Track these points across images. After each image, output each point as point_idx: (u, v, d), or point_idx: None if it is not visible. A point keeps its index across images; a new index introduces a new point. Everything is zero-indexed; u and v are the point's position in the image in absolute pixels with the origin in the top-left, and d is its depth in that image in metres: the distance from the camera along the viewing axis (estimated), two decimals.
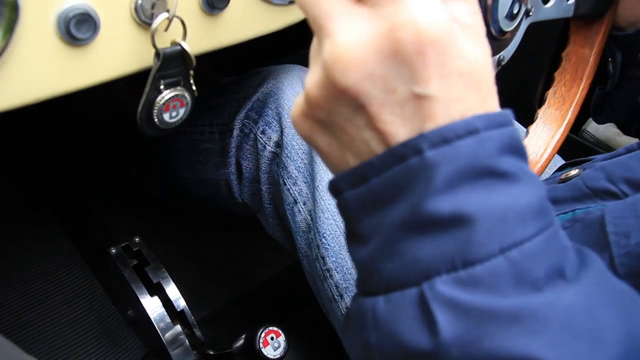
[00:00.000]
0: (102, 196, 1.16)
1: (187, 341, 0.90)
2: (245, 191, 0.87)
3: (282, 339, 0.75)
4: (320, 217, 0.74)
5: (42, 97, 0.52)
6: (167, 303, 0.91)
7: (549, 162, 0.72)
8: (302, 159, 0.77)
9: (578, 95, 0.75)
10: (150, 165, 1.07)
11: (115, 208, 1.15)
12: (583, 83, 0.75)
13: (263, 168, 0.81)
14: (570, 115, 0.74)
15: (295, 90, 0.80)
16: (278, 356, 0.73)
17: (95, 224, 1.13)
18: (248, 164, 0.84)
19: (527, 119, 0.77)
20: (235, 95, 0.87)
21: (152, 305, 0.90)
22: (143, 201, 1.14)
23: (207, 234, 1.15)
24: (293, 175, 0.78)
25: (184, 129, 0.95)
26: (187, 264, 1.09)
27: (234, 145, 0.85)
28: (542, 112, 0.75)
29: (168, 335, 0.89)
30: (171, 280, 0.93)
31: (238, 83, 0.89)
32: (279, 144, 0.79)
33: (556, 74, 0.76)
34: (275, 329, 0.75)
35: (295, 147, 0.78)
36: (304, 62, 0.88)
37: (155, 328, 0.89)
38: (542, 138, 0.73)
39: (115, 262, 0.94)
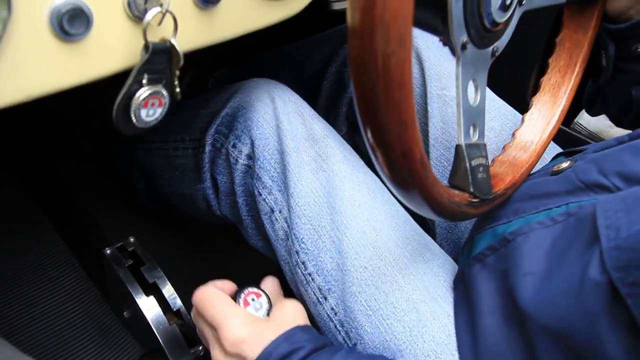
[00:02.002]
0: (95, 197, 1.17)
1: (184, 340, 0.91)
2: (223, 204, 0.89)
3: (263, 299, 0.74)
4: (297, 222, 0.76)
5: (37, 94, 0.53)
6: (163, 302, 0.92)
7: (545, 150, 0.73)
8: (274, 169, 0.79)
9: (572, 81, 0.75)
10: (133, 177, 1.09)
11: (109, 208, 1.15)
12: (577, 69, 0.75)
13: (237, 181, 0.84)
14: (564, 101, 0.75)
15: (263, 103, 0.82)
16: (260, 317, 0.73)
17: (90, 224, 1.13)
18: (223, 178, 0.87)
19: (522, 107, 0.78)
20: (204, 110, 0.89)
21: (148, 305, 0.91)
22: (137, 201, 1.14)
23: (202, 232, 1.16)
24: (267, 185, 0.80)
25: (156, 145, 0.98)
26: (183, 262, 1.10)
27: (207, 161, 0.87)
28: (536, 100, 0.75)
29: (165, 334, 0.90)
30: (167, 279, 0.94)
31: (206, 99, 0.91)
32: (251, 157, 0.82)
33: (550, 60, 0.77)
34: (255, 289, 0.75)
35: (267, 157, 0.80)
36: (284, 58, 0.90)
37: (151, 328, 0.90)
38: (538, 126, 0.74)
39: (110, 263, 0.95)
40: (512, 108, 0.88)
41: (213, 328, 0.69)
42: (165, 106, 0.61)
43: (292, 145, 0.78)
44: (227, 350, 0.66)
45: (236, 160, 0.83)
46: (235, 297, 0.74)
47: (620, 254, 0.51)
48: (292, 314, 0.69)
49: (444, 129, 0.86)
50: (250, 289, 0.75)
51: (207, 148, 0.87)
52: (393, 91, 0.41)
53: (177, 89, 0.60)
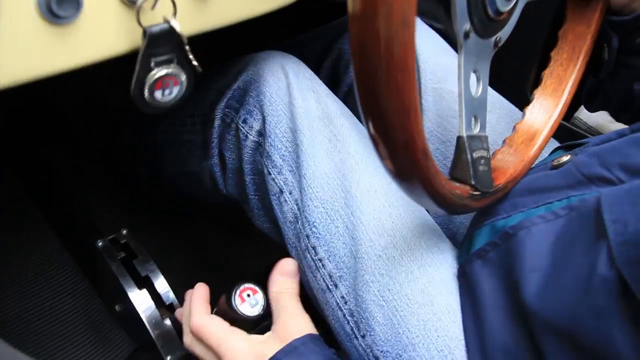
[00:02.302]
0: (88, 189, 1.16)
1: (176, 335, 0.90)
2: (229, 183, 0.87)
3: (259, 296, 0.74)
4: (309, 205, 0.73)
5: (24, 79, 0.51)
6: (156, 296, 0.91)
7: (547, 143, 0.73)
8: (286, 147, 0.77)
9: (575, 74, 0.75)
10: (135, 161, 1.07)
11: (102, 200, 1.15)
12: (580, 62, 0.75)
13: (246, 158, 0.82)
14: (567, 95, 0.74)
15: (276, 77, 0.80)
16: (256, 314, 0.73)
17: (82, 216, 1.12)
18: (231, 155, 0.84)
19: (523, 101, 0.78)
20: (215, 84, 0.87)
21: (140, 299, 0.90)
22: (130, 193, 1.14)
23: (196, 225, 1.15)
24: (277, 164, 0.77)
25: (165, 121, 0.95)
26: (176, 256, 1.09)
27: (215, 136, 0.85)
28: (538, 93, 0.75)
29: (157, 329, 0.89)
30: (160, 273, 0.93)
31: (217, 72, 0.89)
32: (262, 133, 0.79)
33: (553, 53, 0.76)
34: (251, 285, 0.74)
35: (279, 135, 0.77)
36: (288, 51, 0.88)
37: (143, 322, 0.89)
38: (539, 119, 0.73)
39: (102, 256, 0.94)
40: (508, 101, 0.87)
41: (215, 356, 0.70)
42: (182, 84, 0.60)
43: (306, 123, 0.76)
44: None
45: (246, 136, 0.80)
46: (230, 293, 0.74)
47: (629, 249, 0.50)
48: (296, 331, 0.69)
49: (439, 122, 0.85)
50: (246, 285, 0.74)
51: (217, 122, 0.84)
52: (395, 75, 0.40)
53: (195, 63, 0.59)
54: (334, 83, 0.99)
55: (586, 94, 0.83)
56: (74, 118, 1.20)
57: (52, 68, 0.53)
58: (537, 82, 0.76)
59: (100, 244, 0.95)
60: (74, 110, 1.19)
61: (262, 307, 0.73)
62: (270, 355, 0.65)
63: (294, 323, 0.70)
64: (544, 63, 0.77)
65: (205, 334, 0.71)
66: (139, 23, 0.54)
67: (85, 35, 0.53)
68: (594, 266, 0.52)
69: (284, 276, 0.76)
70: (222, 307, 0.76)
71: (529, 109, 0.74)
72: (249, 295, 0.74)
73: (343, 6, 0.41)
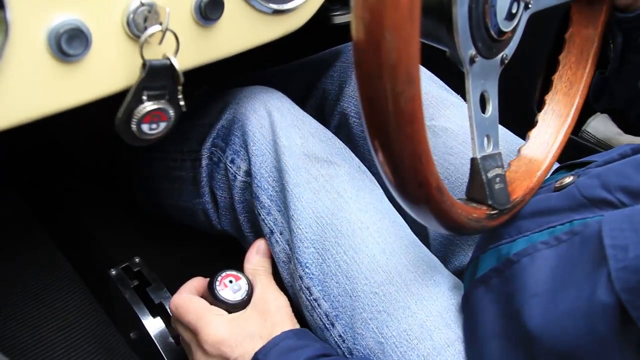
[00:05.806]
0: (100, 217, 1.17)
1: None
2: (223, 220, 0.88)
3: (242, 282, 0.75)
4: (299, 247, 0.74)
5: (36, 115, 0.53)
6: (170, 323, 0.92)
7: (562, 150, 0.73)
8: (272, 187, 0.78)
9: (585, 76, 0.75)
10: (135, 191, 1.09)
11: (114, 229, 1.16)
12: (589, 64, 0.75)
13: (237, 198, 0.82)
14: (578, 97, 0.75)
15: (258, 115, 0.80)
16: (239, 299, 0.74)
17: (94, 245, 1.14)
18: (222, 193, 0.85)
19: (530, 110, 0.77)
20: (200, 120, 0.87)
21: (154, 326, 0.92)
22: (142, 221, 1.14)
23: (208, 251, 1.16)
24: (266, 205, 0.78)
25: (157, 155, 0.96)
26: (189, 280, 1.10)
27: (205, 175, 0.86)
28: (549, 99, 0.75)
29: (171, 355, 0.90)
30: None
31: (201, 107, 0.89)
32: (249, 173, 0.80)
33: (561, 57, 0.76)
34: (233, 272, 0.76)
35: (265, 175, 0.78)
36: (275, 78, 0.88)
37: (158, 349, 0.90)
38: (552, 126, 0.74)
39: (116, 284, 0.95)
40: (508, 131, 0.87)
41: (193, 333, 0.71)
42: (170, 120, 0.61)
43: (291, 162, 0.76)
44: (208, 352, 0.69)
45: (235, 176, 0.81)
46: (212, 280, 0.75)
47: (629, 276, 0.50)
48: (275, 305, 0.71)
49: (437, 162, 0.84)
50: (228, 272, 0.76)
51: (204, 162, 0.85)
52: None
53: (181, 103, 0.61)
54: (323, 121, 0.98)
55: (593, 91, 0.83)
56: (70, 146, 1.22)
57: (63, 104, 0.54)
58: (544, 91, 0.76)
59: (113, 272, 0.96)
60: (69, 138, 1.20)
61: (245, 293, 0.74)
62: (253, 330, 0.68)
63: (272, 297, 0.72)
64: (552, 70, 0.77)
65: (183, 311, 0.72)
66: (142, 56, 0.56)
67: (93, 71, 0.55)
68: (594, 292, 0.52)
69: (259, 254, 0.79)
70: (204, 294, 0.77)
71: (542, 116, 0.74)
72: (231, 282, 0.75)
73: (345, 29, 0.42)
